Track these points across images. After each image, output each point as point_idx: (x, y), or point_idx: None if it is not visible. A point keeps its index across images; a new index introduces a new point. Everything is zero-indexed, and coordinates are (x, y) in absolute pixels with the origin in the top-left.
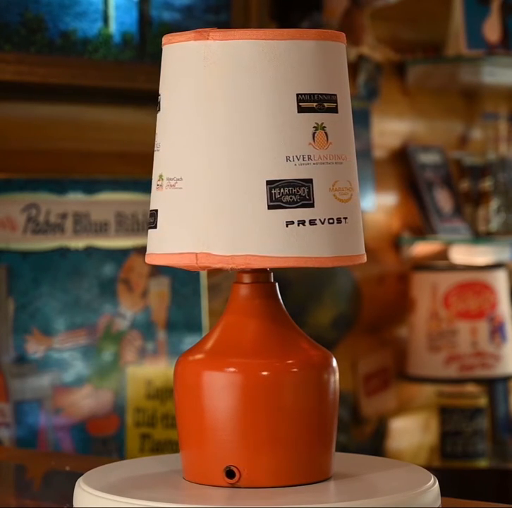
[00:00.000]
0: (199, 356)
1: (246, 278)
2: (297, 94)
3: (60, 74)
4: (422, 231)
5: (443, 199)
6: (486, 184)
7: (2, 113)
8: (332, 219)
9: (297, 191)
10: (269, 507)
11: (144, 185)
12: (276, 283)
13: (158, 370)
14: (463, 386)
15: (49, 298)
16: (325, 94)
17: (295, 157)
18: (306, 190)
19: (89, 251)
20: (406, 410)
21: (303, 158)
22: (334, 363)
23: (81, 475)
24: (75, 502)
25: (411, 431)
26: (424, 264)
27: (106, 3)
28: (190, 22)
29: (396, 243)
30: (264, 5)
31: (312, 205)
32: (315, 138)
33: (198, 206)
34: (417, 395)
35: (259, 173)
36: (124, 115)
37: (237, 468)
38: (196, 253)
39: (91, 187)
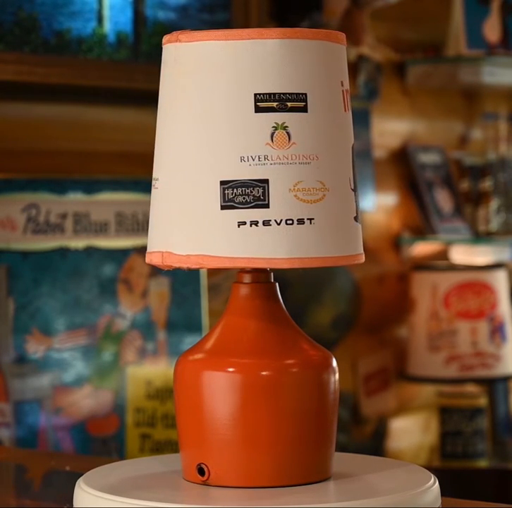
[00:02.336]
0: (199, 356)
1: (246, 278)
2: (255, 94)
3: (60, 74)
4: (422, 231)
5: (443, 199)
6: (486, 184)
7: (2, 113)
8: (291, 219)
9: (251, 192)
10: (268, 507)
11: (144, 185)
12: (276, 284)
13: (158, 370)
14: (463, 386)
15: (49, 298)
16: (289, 94)
17: (250, 158)
18: (261, 190)
19: (89, 251)
20: (406, 410)
21: (259, 158)
22: (334, 363)
23: (81, 475)
24: (75, 502)
25: (411, 431)
26: (424, 264)
27: (100, 3)
28: (185, 21)
29: (396, 243)
30: (263, 6)
31: (266, 206)
32: (274, 138)
33: (165, 205)
34: (417, 395)
35: (214, 174)
36: (124, 115)
37: (206, 466)
38: (162, 252)
39: (91, 187)
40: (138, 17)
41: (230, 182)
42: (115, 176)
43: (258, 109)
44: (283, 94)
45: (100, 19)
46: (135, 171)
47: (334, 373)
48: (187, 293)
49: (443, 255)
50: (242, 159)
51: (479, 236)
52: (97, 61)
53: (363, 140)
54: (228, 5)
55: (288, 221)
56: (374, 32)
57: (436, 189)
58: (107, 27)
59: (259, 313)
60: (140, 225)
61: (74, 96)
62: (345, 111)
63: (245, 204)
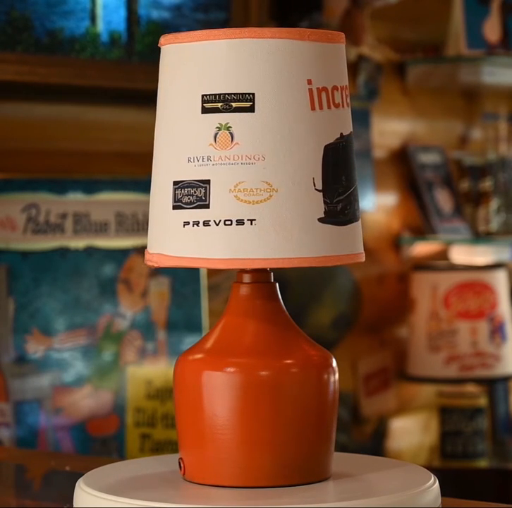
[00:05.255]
0: (198, 356)
1: (246, 278)
2: (203, 95)
3: (60, 74)
4: (422, 231)
5: (443, 199)
6: (486, 184)
7: (2, 113)
8: (230, 220)
9: (195, 192)
10: (268, 507)
11: (144, 185)
12: (277, 284)
13: (158, 370)
14: (463, 386)
15: (49, 298)
16: (235, 94)
17: (195, 158)
18: (203, 190)
19: (89, 251)
20: (406, 410)
21: (203, 159)
22: (334, 363)
23: (81, 475)
24: (76, 503)
25: (411, 431)
26: (424, 264)
27: (93, 2)
28: (178, 20)
29: (396, 243)
30: (263, 6)
31: (207, 206)
32: (217, 139)
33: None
34: (417, 395)
35: (168, 174)
36: (124, 115)
37: (182, 460)
38: (145, 250)
39: (91, 187)
40: (132, 16)
41: (180, 182)
42: (115, 176)
43: (204, 110)
44: (229, 94)
45: (93, 18)
46: (135, 171)
47: (334, 373)
48: (187, 293)
49: (443, 255)
50: (189, 160)
51: (479, 236)
52: (97, 61)
53: (363, 140)
54: (223, 4)
55: (227, 222)
56: (374, 32)
57: (436, 189)
58: (100, 26)
59: (259, 313)
60: (140, 225)
61: (74, 96)
62: (312, 109)
63: (189, 205)
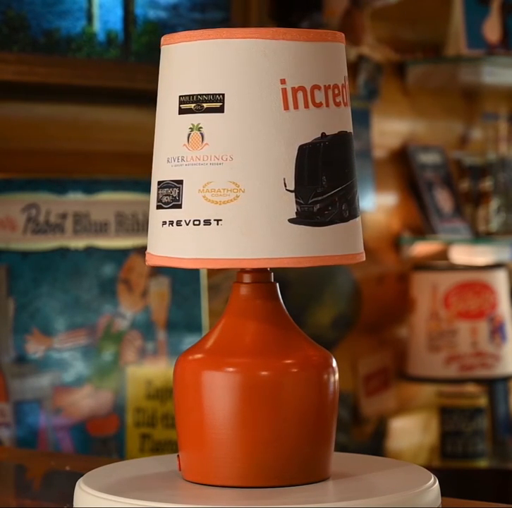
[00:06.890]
0: (198, 356)
1: (246, 278)
2: (180, 96)
3: (60, 74)
4: (422, 231)
5: (443, 199)
6: (486, 184)
7: (2, 113)
8: (198, 220)
9: (171, 192)
10: (268, 507)
11: (144, 185)
12: (277, 284)
13: (158, 370)
14: (463, 386)
15: (49, 298)
16: (206, 95)
17: (172, 159)
18: (177, 191)
19: (89, 251)
20: (406, 410)
21: (178, 159)
22: (334, 363)
23: (81, 475)
24: (76, 503)
25: (411, 431)
26: (424, 264)
27: (90, 2)
28: (175, 20)
29: (396, 243)
30: (263, 5)
31: (180, 206)
32: (189, 139)
33: None
34: (417, 395)
35: (155, 175)
36: (124, 115)
37: (178, 457)
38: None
39: (91, 187)
40: (128, 16)
41: (161, 183)
42: (115, 176)
43: (180, 111)
44: (201, 95)
45: (90, 18)
46: (135, 171)
47: (334, 373)
48: (187, 293)
49: (443, 255)
50: (168, 160)
51: (479, 236)
52: (96, 61)
53: (363, 140)
54: (222, 4)
55: (196, 222)
56: (374, 32)
57: (436, 189)
58: (97, 26)
59: (259, 313)
60: (140, 225)
61: (73, 96)
62: (286, 109)
63: (167, 205)
